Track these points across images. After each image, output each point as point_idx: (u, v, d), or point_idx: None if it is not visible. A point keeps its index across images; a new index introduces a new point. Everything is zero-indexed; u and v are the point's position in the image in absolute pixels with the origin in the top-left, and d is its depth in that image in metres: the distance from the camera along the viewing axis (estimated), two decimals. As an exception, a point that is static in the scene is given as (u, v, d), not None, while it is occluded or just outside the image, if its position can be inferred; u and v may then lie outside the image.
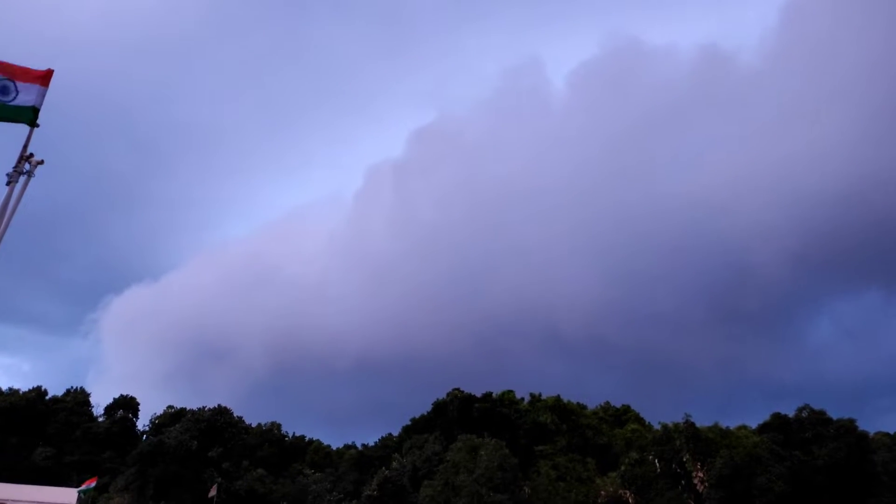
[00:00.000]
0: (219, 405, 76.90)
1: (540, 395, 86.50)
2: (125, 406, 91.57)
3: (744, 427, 61.31)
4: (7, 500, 55.45)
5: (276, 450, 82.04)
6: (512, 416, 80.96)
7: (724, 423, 60.87)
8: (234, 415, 77.22)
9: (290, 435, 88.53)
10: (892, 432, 71.99)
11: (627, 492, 56.80)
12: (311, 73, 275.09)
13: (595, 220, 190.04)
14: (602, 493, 58.79)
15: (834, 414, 56.55)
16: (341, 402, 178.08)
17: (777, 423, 57.34)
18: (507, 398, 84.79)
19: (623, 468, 60.00)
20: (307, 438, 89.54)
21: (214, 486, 54.68)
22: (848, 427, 54.22)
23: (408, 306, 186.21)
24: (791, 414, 57.20)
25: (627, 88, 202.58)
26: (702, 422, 58.94)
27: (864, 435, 54.92)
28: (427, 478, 64.88)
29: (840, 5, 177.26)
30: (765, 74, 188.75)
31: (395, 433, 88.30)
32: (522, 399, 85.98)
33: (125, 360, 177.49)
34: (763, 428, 58.68)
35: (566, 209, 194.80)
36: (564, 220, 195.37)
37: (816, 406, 56.88)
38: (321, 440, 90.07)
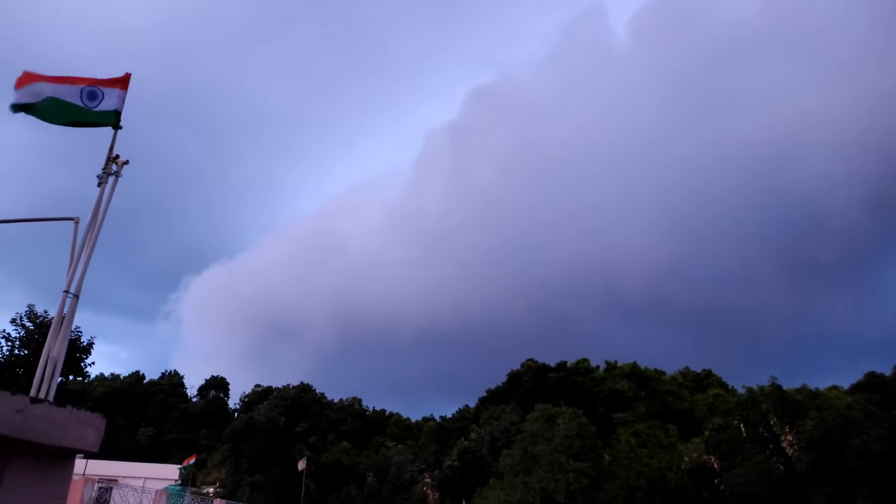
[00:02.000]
0: (302, 382, 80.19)
1: (616, 362, 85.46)
2: (216, 386, 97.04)
3: (835, 388, 58.48)
4: (118, 476, 60.16)
5: (358, 423, 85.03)
6: (587, 384, 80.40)
7: (806, 382, 58.45)
8: (317, 391, 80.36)
9: (371, 409, 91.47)
10: None
11: (712, 457, 55.54)
12: (362, 47, 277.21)
13: (656, 174, 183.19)
14: (686, 458, 57.74)
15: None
16: (407, 372, 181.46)
17: (872, 383, 54.42)
18: (582, 366, 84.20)
19: (707, 433, 58.60)
20: (387, 412, 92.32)
21: (304, 459, 57.26)
22: (953, 384, 50.92)
23: (467, 274, 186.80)
24: (887, 373, 54.14)
25: (692, 29, 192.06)
26: (781, 381, 56.61)
27: (972, 392, 51.42)
28: (505, 447, 65.57)
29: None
30: (838, 12, 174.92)
31: (465, 402, 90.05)
32: (597, 367, 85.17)
33: (206, 337, 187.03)
34: (856, 388, 55.84)
35: (626, 165, 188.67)
36: (624, 177, 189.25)
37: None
38: (400, 413, 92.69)
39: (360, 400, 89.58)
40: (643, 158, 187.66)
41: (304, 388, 79.62)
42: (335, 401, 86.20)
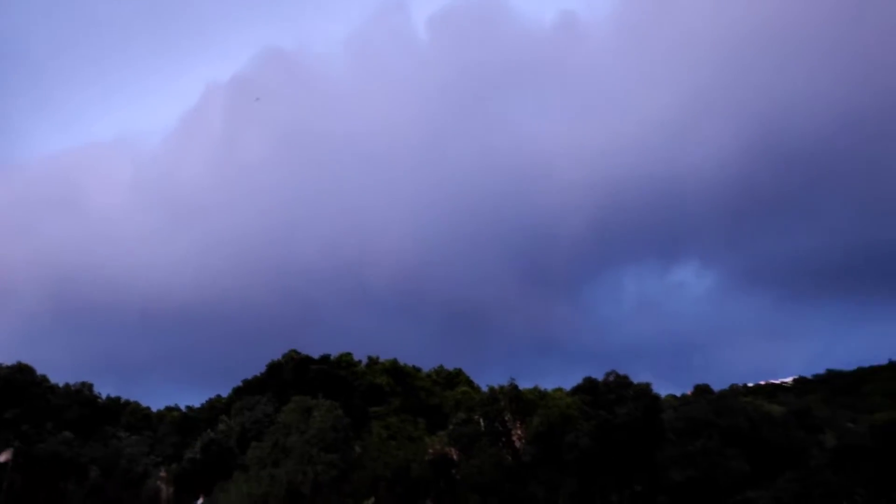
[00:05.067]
0: (19, 362, 68.76)
1: (378, 357, 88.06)
2: None
3: (560, 389, 67.33)
4: None
5: (87, 412, 75.22)
6: (348, 378, 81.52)
7: (538, 383, 66.59)
8: (38, 373, 69.51)
9: (104, 396, 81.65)
10: (678, 394, 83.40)
11: (453, 449, 59.89)
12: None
13: (423, 174, 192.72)
14: (430, 450, 61.45)
15: (633, 376, 63.72)
16: (148, 356, 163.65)
17: (588, 386, 63.61)
18: (345, 360, 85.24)
19: (451, 427, 63.11)
20: (123, 400, 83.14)
21: (9, 451, 49.21)
22: (645, 390, 61.38)
23: (216, 251, 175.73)
24: (600, 378, 63.81)
25: (480, 41, 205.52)
26: (519, 381, 63.37)
27: (657, 397, 62.59)
28: (256, 440, 63.35)
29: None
30: (608, 50, 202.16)
31: (218, 392, 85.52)
32: (360, 361, 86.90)
33: None
34: (576, 390, 64.81)
35: (398, 161, 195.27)
36: (393, 172, 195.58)
37: (621, 369, 63.87)
38: (139, 402, 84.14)
39: (90, 385, 79.36)
40: (416, 156, 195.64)
41: (22, 369, 68.45)
42: (60, 385, 75.33)
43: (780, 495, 18.61)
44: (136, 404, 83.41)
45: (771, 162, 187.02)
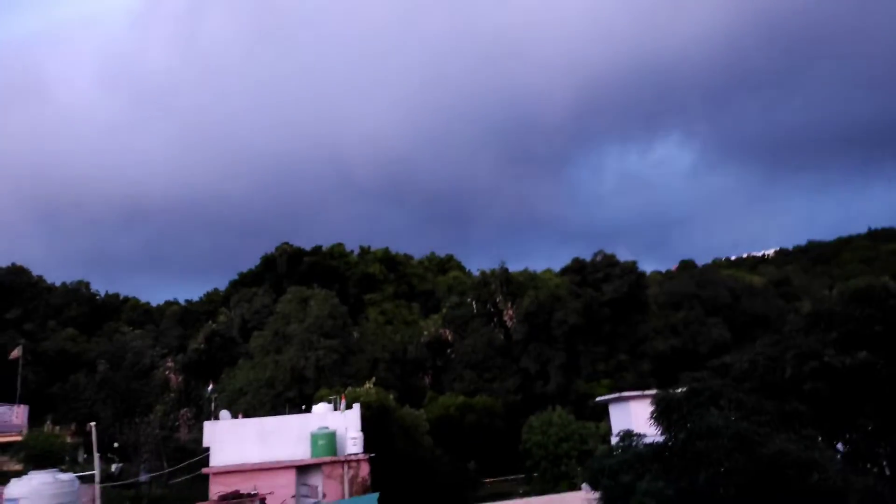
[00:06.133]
0: (13, 264, 69.21)
1: (369, 247, 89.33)
2: None
3: (549, 270, 69.18)
4: None
5: (86, 309, 76.95)
6: (341, 268, 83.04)
7: (528, 265, 68.21)
8: (33, 273, 70.23)
9: (103, 293, 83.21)
10: (663, 270, 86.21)
11: (447, 330, 62.43)
12: None
13: (401, 58, 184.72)
14: (425, 332, 64.03)
15: (619, 253, 65.70)
16: (139, 252, 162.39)
17: (576, 266, 65.30)
18: (337, 251, 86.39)
19: (444, 310, 65.34)
20: (122, 296, 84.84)
21: (18, 348, 50.71)
22: (631, 268, 63.28)
23: (191, 143, 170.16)
24: (588, 258, 65.53)
25: None
26: (509, 264, 65.10)
27: (642, 274, 64.75)
28: (257, 329, 65.43)
29: None
30: None
31: (214, 286, 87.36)
32: (352, 252, 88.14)
33: None
34: (564, 271, 66.62)
35: (372, 44, 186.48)
36: (369, 56, 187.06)
37: (607, 247, 65.72)
38: (138, 297, 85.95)
39: (87, 283, 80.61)
40: (390, 37, 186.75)
41: (17, 271, 69.01)
42: (57, 284, 76.43)
43: (755, 358, 19.84)
44: (136, 300, 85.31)
45: (755, 35, 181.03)
